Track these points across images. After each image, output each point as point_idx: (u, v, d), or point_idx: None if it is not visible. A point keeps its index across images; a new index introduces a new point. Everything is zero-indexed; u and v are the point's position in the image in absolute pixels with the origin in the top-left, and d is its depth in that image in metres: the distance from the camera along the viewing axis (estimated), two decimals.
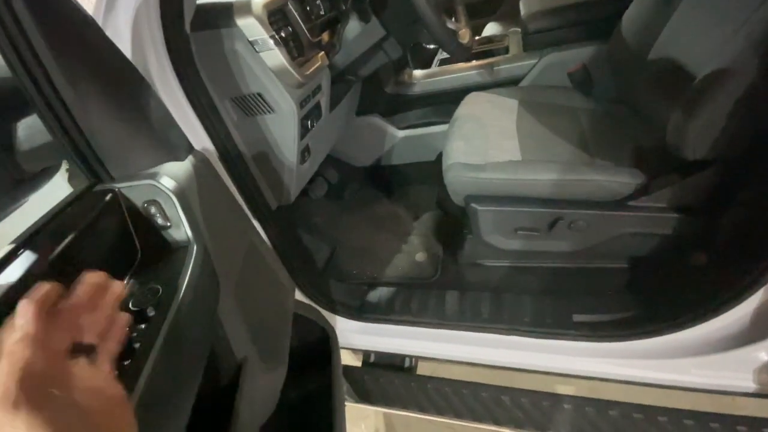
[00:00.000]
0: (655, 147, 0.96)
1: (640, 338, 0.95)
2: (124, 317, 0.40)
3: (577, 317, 1.05)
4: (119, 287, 0.40)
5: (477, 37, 1.65)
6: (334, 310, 1.18)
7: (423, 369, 1.32)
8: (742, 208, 0.84)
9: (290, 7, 0.89)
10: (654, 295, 1.04)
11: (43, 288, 0.34)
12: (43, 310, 0.31)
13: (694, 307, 0.87)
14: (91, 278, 0.38)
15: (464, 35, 1.04)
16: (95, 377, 0.32)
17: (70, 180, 0.66)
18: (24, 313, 0.30)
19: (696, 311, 0.86)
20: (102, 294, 0.38)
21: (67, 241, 0.48)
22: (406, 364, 1.30)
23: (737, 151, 0.78)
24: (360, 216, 1.59)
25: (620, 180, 0.91)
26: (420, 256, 1.38)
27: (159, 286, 0.51)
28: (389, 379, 1.25)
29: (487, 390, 1.15)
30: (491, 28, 1.84)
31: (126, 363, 0.41)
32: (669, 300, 0.98)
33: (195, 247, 0.57)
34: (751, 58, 0.70)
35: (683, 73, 0.84)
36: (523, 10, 1.44)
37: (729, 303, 0.80)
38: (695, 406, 1.04)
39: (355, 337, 1.21)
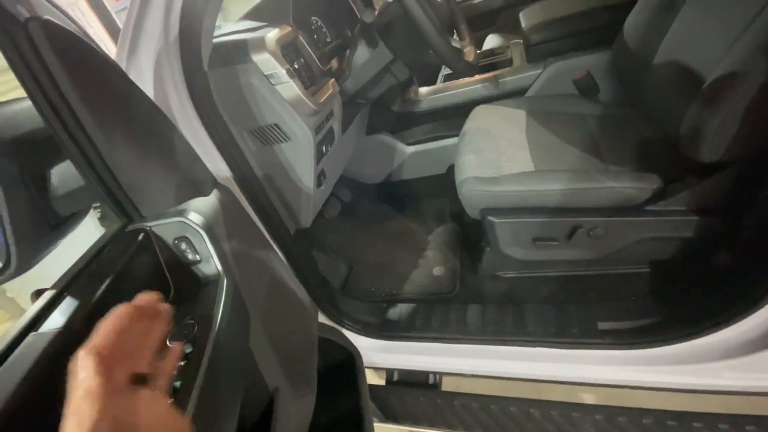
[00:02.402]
0: (668, 150, 0.95)
1: (668, 344, 0.93)
2: (178, 348, 0.40)
3: (602, 325, 1.04)
4: (168, 311, 0.40)
5: (479, 51, 1.67)
6: (355, 330, 1.18)
7: (447, 385, 1.31)
8: (763, 208, 0.84)
9: (300, 39, 0.92)
10: (679, 299, 1.03)
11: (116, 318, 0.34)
12: (104, 360, 0.30)
13: (722, 309, 0.86)
14: (146, 298, 0.38)
15: (469, 53, 1.06)
16: (158, 409, 0.32)
17: (101, 220, 0.68)
18: (85, 366, 0.30)
19: (724, 313, 0.85)
20: (152, 317, 0.38)
21: (107, 282, 0.49)
22: (431, 380, 1.29)
23: (755, 151, 0.78)
24: (374, 233, 1.59)
25: (637, 185, 0.91)
26: (438, 270, 1.38)
27: (194, 322, 0.52)
28: (415, 396, 1.24)
29: (515, 404, 1.13)
30: (492, 41, 1.86)
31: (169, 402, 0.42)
32: (695, 303, 0.97)
33: (225, 281, 0.58)
34: (761, 59, 0.70)
35: (692, 77, 0.85)
36: (523, 22, 1.45)
37: (758, 303, 0.79)
38: (728, 410, 1.02)
39: (378, 356, 1.21)
